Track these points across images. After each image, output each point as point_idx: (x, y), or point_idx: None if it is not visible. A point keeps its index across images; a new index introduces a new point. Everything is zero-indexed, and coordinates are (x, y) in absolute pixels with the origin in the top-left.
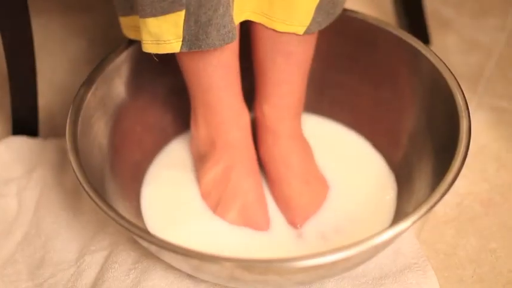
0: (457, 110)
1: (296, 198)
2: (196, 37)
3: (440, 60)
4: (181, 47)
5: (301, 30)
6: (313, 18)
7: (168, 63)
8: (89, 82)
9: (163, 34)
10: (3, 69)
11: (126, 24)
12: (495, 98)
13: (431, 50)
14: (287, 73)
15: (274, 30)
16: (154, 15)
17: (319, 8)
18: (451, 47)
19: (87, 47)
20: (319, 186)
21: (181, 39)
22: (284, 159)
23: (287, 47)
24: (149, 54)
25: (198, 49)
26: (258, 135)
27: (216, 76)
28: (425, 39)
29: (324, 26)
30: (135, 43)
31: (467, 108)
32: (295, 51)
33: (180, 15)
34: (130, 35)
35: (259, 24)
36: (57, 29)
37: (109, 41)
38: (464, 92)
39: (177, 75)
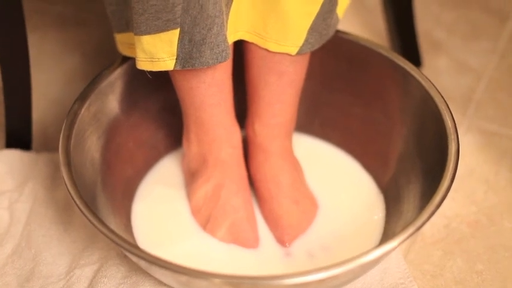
0: (446, 132)
1: (285, 217)
2: (190, 55)
3: (430, 82)
4: (175, 65)
5: (293, 50)
6: (306, 39)
7: (161, 81)
8: (82, 97)
9: (157, 52)
10: None
11: (121, 40)
12: (485, 120)
13: (422, 73)
14: (279, 92)
15: (267, 50)
16: (148, 32)
17: (312, 29)
18: (442, 69)
19: (82, 62)
20: (309, 205)
21: (175, 57)
22: (274, 177)
23: (279, 66)
24: (143, 71)
25: (191, 67)
26: (249, 153)
27: (209, 94)
28: (417, 60)
29: (316, 46)
30: (129, 60)
31: (456, 131)
32: (287, 70)
33: (175, 34)
34: (125, 51)
35: (253, 44)
36: (52, 44)
37: (103, 56)
38: (454, 114)
39: (170, 92)
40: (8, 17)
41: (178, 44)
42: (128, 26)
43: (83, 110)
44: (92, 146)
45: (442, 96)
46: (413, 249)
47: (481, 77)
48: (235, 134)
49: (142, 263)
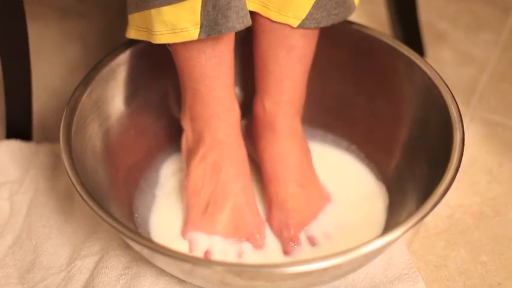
0: (451, 121)
1: (291, 200)
2: (215, 22)
3: (435, 71)
4: (199, 34)
5: (295, 22)
6: (310, 13)
7: (163, 68)
8: (84, 84)
9: (179, 22)
10: None
11: (133, 22)
12: (488, 111)
13: (426, 62)
14: (289, 68)
15: (269, 19)
16: (169, 2)
17: (318, 4)
18: (445, 60)
19: (82, 53)
20: (316, 191)
21: (199, 25)
22: (282, 159)
23: (289, 40)
24: (144, 57)
25: (217, 34)
26: (257, 132)
27: (209, 66)
28: (420, 52)
29: (323, 24)
30: (131, 46)
31: (461, 120)
32: (297, 45)
33: (197, 1)
34: (131, 34)
35: (259, 15)
36: (53, 34)
37: (104, 47)
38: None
39: (172, 79)
40: (8, 8)
41: (201, 11)
42: (142, 2)
43: (84, 97)
44: (93, 133)
45: (446, 85)
46: (416, 240)
47: (484, 68)
48: (234, 112)
49: (145, 251)
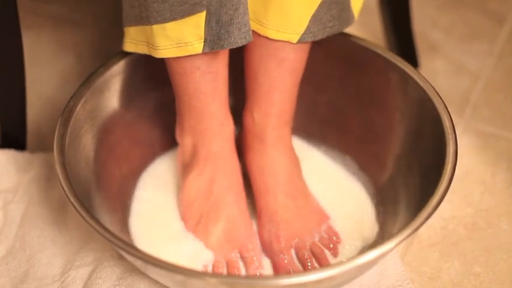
0: (444, 132)
1: (281, 212)
2: (218, 37)
3: (428, 82)
4: (203, 48)
5: (294, 38)
6: (308, 28)
7: (158, 79)
8: (78, 95)
9: (184, 36)
10: None
11: (130, 36)
12: (482, 122)
13: (419, 73)
14: (279, 80)
15: (267, 37)
16: (174, 18)
17: (314, 18)
18: (439, 71)
19: (77, 62)
20: (304, 201)
21: (203, 39)
22: (271, 170)
23: (280, 53)
24: (139, 69)
25: (220, 48)
26: (246, 143)
27: (203, 81)
28: (414, 62)
29: (319, 37)
30: (125, 57)
31: (454, 131)
32: (288, 58)
33: (201, 16)
34: (128, 47)
35: (253, 31)
36: (47, 44)
37: (98, 56)
38: (451, 115)
39: (166, 90)
40: (3, 17)
41: (205, 26)
42: (141, 18)
43: (78, 107)
44: (87, 144)
45: (440, 97)
46: (410, 251)
47: (478, 78)
48: (228, 126)
49: (138, 263)
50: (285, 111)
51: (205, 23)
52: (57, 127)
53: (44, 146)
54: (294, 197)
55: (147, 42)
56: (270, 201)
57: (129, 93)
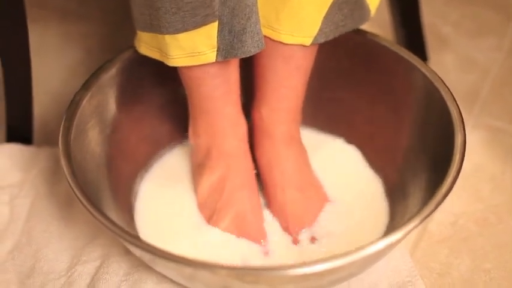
0: (453, 124)
1: (290, 205)
2: (231, 46)
3: (437, 75)
4: (216, 57)
5: (308, 41)
6: (320, 29)
7: (165, 74)
8: (84, 89)
9: (197, 46)
10: None
11: (142, 39)
12: (491, 118)
13: (428, 66)
14: (286, 77)
15: (280, 42)
16: (186, 29)
17: (326, 19)
18: (448, 66)
19: (84, 56)
20: (314, 193)
21: (215, 49)
22: (279, 164)
23: (288, 51)
24: (146, 64)
25: (233, 57)
26: (254, 139)
27: (214, 85)
28: (423, 56)
29: (331, 37)
30: (133, 52)
31: (463, 122)
32: (295, 55)
33: (214, 26)
34: (142, 50)
35: (265, 36)
36: (54, 37)
37: (105, 51)
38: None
39: (174, 86)
40: (9, 10)
41: (218, 36)
42: (152, 26)
43: (84, 101)
44: (93, 139)
45: (448, 88)
46: (419, 247)
47: (487, 73)
48: (241, 126)
49: (146, 256)
50: (293, 106)
51: (217, 33)
52: (63, 121)
53: (50, 141)
54: (303, 189)
55: (160, 49)
56: (278, 195)
57: (136, 89)
